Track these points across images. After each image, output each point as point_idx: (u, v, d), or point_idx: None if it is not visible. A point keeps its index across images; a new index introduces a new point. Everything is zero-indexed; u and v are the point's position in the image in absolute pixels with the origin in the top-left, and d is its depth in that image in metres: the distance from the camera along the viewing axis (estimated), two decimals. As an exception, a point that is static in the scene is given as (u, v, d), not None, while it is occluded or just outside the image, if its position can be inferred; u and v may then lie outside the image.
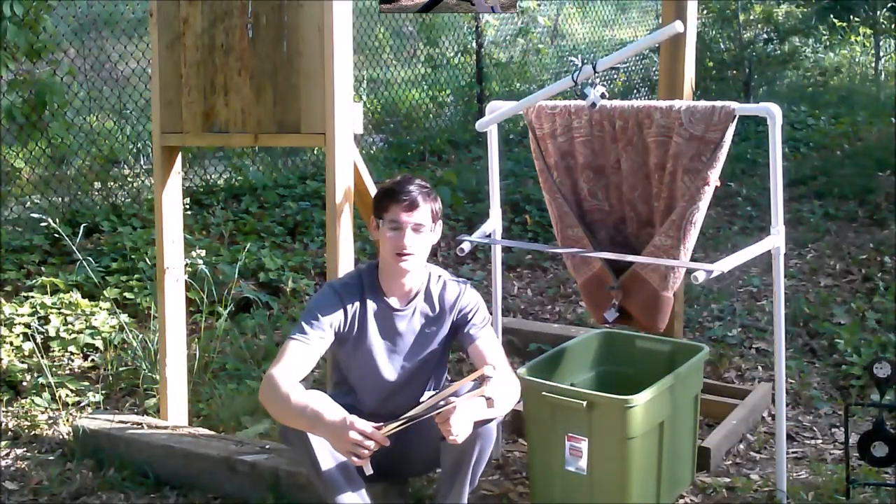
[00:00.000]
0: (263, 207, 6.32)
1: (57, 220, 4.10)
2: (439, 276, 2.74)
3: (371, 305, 2.66)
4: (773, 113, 2.67)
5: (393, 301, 2.68)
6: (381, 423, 2.30)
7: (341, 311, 2.62)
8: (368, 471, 2.31)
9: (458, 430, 2.29)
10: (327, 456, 2.46)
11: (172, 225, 3.27)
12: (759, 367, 4.05)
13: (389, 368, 2.70)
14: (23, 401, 3.74)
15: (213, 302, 4.03)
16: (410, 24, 9.42)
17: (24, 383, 3.86)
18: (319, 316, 2.57)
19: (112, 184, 6.33)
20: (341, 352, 2.69)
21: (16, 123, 5.45)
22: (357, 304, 2.65)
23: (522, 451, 3.27)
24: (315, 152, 7.56)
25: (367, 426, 2.27)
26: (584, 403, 2.65)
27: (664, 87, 3.51)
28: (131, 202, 6.19)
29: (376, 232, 2.66)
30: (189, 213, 5.53)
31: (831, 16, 12.51)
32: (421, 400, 2.43)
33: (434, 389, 2.80)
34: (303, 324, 2.56)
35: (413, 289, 2.69)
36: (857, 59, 13.02)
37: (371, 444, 2.26)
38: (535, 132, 3.16)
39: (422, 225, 2.59)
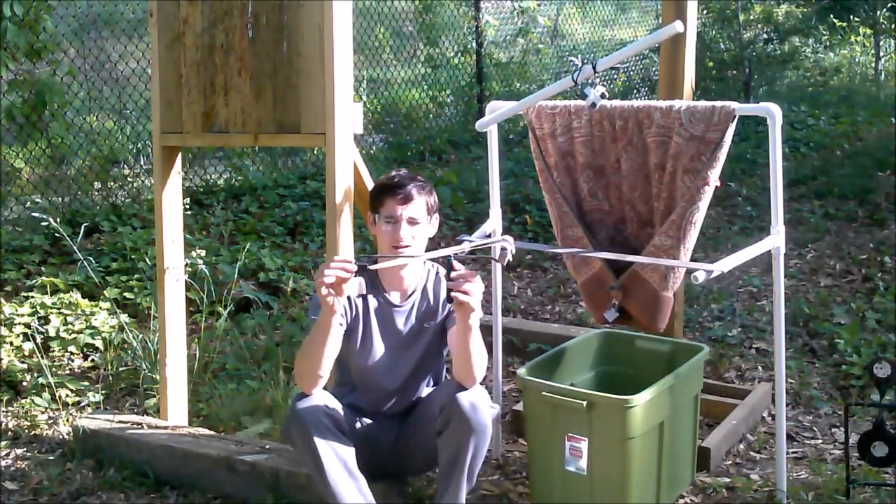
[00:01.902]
0: (263, 207, 6.32)
1: (57, 220, 4.09)
2: (437, 272, 2.76)
3: (372, 301, 2.68)
4: (773, 113, 2.66)
5: (393, 296, 2.69)
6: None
7: (345, 300, 2.62)
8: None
9: (469, 277, 2.35)
10: (329, 452, 2.46)
11: (172, 225, 3.27)
12: (759, 367, 4.04)
13: (390, 366, 2.70)
14: (23, 401, 3.74)
15: (213, 302, 4.03)
16: (410, 24, 9.41)
17: (24, 383, 3.86)
18: None
19: (112, 184, 6.32)
20: (344, 347, 2.70)
21: (16, 123, 5.46)
22: (359, 299, 2.66)
23: (522, 451, 3.26)
24: (315, 152, 7.56)
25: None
26: (584, 403, 2.65)
27: (664, 87, 3.50)
28: (131, 202, 6.18)
29: (373, 227, 2.69)
30: (189, 213, 5.52)
31: (831, 16, 12.52)
32: None
33: (433, 386, 2.81)
34: (311, 313, 2.56)
35: (412, 284, 2.70)
36: (857, 59, 13.03)
37: (348, 265, 2.33)
38: (535, 132, 3.16)
39: (417, 218, 2.61)
